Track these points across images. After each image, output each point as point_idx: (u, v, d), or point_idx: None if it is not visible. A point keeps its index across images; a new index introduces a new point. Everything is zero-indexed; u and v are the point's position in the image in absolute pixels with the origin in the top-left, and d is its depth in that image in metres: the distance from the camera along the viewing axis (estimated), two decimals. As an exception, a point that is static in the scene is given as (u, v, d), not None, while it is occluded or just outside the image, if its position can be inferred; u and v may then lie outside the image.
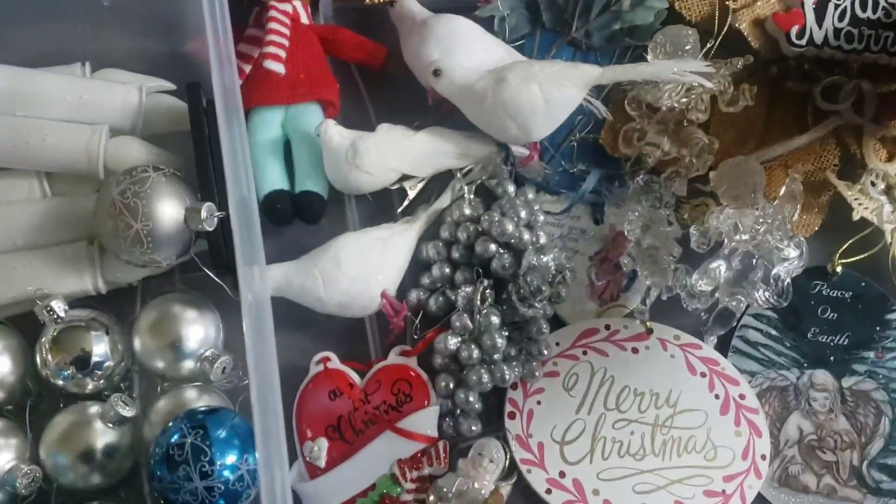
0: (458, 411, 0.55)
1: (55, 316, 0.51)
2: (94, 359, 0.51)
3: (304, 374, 0.57)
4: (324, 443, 0.54)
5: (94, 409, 0.51)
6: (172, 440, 0.45)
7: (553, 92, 0.56)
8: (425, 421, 0.54)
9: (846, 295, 0.62)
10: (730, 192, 0.61)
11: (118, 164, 0.55)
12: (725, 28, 0.63)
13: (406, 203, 0.61)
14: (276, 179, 0.60)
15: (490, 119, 0.58)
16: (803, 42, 0.61)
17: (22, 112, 0.54)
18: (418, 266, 0.60)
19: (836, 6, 0.62)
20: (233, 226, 0.48)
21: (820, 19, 0.61)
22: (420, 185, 0.62)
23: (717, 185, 0.62)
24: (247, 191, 0.49)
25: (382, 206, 0.62)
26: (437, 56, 0.60)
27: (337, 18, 0.67)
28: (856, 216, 0.61)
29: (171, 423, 0.46)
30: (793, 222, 0.61)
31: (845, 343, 0.61)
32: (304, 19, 0.64)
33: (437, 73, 0.58)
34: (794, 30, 0.61)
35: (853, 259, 0.62)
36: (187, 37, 0.60)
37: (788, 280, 0.60)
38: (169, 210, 0.50)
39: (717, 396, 0.58)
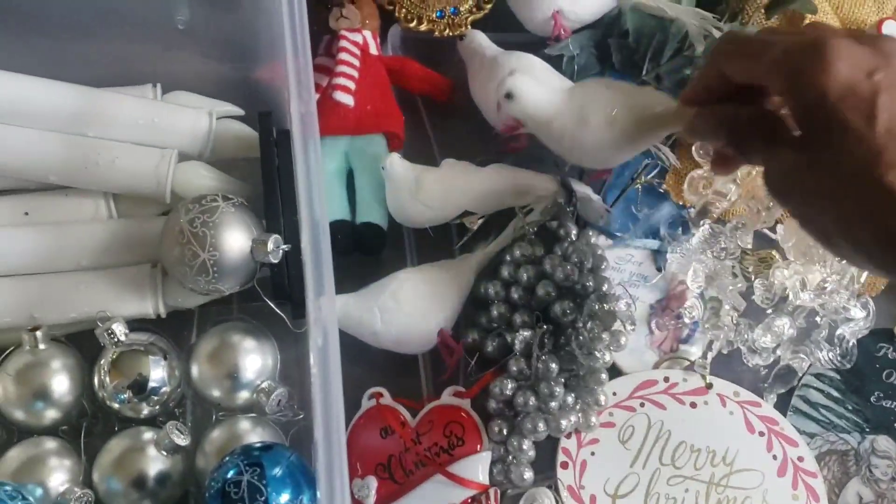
0: (511, 458, 0.54)
1: (115, 339, 0.50)
2: (151, 384, 0.51)
3: (355, 407, 0.56)
4: (373, 481, 0.53)
5: (149, 435, 0.51)
6: (228, 476, 0.44)
7: (635, 136, 0.52)
8: (477, 466, 0.53)
9: (914, 359, 0.60)
10: (797, 248, 0.60)
11: (185, 188, 0.55)
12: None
13: (465, 238, 0.61)
14: (338, 209, 0.60)
15: (559, 143, 0.55)
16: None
17: (93, 133, 0.55)
18: (475, 304, 0.59)
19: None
20: (304, 255, 0.47)
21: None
22: (480, 222, 0.61)
23: (784, 239, 0.60)
24: (320, 220, 0.48)
25: (441, 240, 0.61)
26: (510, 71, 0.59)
27: (405, 49, 0.67)
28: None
29: (227, 458, 0.46)
30: (861, 282, 0.59)
31: (911, 409, 0.59)
32: (373, 50, 0.64)
33: (509, 95, 0.54)
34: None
35: (922, 323, 0.61)
36: (258, 63, 0.60)
37: (853, 341, 0.59)
38: (236, 240, 0.49)
39: (774, 457, 0.56)
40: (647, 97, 0.53)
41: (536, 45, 0.65)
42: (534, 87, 0.54)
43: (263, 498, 0.44)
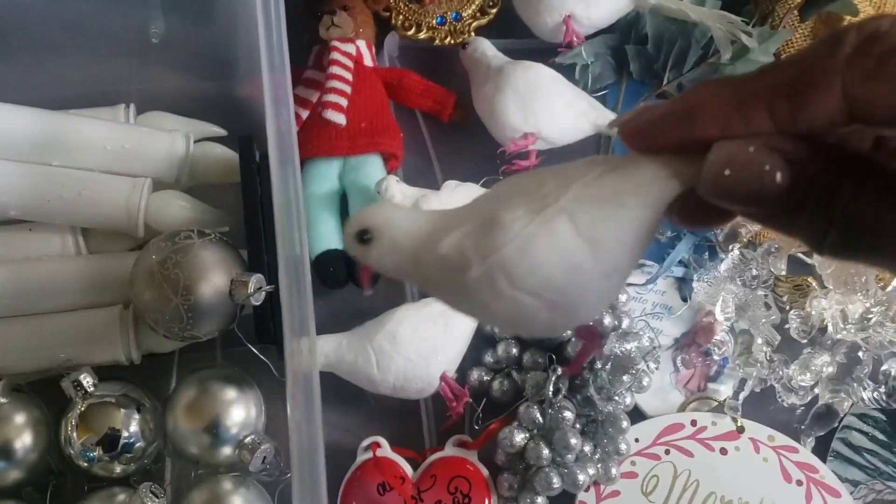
0: (523, 516, 0.49)
1: (83, 391, 0.46)
2: (124, 440, 0.46)
3: (350, 457, 0.51)
4: (370, 543, 0.48)
5: (122, 497, 0.46)
6: (205, 553, 0.40)
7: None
8: (485, 526, 0.48)
9: (967, 398, 0.54)
10: (836, 275, 0.54)
11: (160, 221, 0.50)
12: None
13: (470, 269, 0.55)
14: (330, 238, 0.55)
15: None
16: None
17: (58, 161, 0.50)
18: (482, 341, 0.54)
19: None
20: (281, 292, 0.43)
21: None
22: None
23: (822, 266, 0.55)
24: (299, 252, 0.44)
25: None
26: (516, 108, 0.54)
27: (403, 59, 0.62)
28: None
29: (204, 530, 0.41)
30: (908, 312, 0.54)
31: (965, 454, 0.53)
32: (368, 61, 0.59)
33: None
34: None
35: (977, 358, 0.55)
36: (240, 78, 0.55)
37: (901, 378, 0.53)
38: (213, 281, 0.44)
39: (815, 509, 0.51)
40: None
41: (546, 52, 0.59)
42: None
43: (243, 581, 0.39)
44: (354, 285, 0.55)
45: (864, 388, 0.53)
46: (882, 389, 0.53)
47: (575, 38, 0.58)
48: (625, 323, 0.51)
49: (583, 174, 0.25)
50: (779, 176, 0.22)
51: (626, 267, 0.25)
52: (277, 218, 0.43)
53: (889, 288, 0.54)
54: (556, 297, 0.24)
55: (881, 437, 0.54)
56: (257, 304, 0.46)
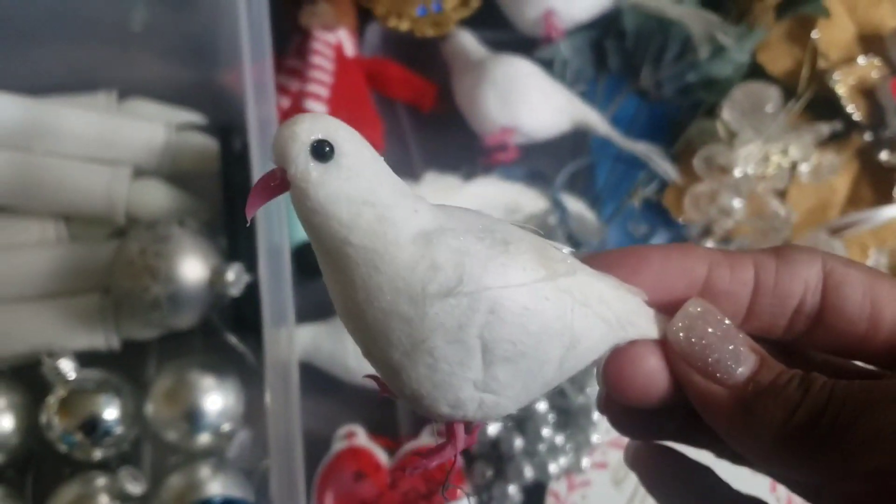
0: None
1: (64, 376, 0.46)
2: (104, 425, 0.47)
3: (326, 445, 0.52)
4: (346, 529, 0.49)
5: (102, 481, 0.47)
6: (183, 538, 0.41)
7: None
8: (458, 513, 0.50)
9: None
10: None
11: (140, 209, 0.50)
12: (811, 88, 0.57)
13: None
14: (309, 228, 0.55)
15: None
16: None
17: (39, 149, 0.50)
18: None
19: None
20: (261, 281, 0.44)
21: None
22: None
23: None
24: (279, 242, 0.45)
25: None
26: (496, 101, 0.55)
27: (385, 49, 0.62)
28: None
29: (182, 516, 0.42)
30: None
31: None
32: (349, 51, 0.59)
33: None
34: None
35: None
36: (222, 65, 0.55)
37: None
38: (192, 271, 0.45)
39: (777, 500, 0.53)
40: None
41: (528, 45, 0.60)
42: None
43: (220, 566, 0.40)
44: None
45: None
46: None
47: (555, 33, 0.59)
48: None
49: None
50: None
51: (554, 381, 0.22)
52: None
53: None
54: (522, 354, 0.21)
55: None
56: (236, 294, 0.46)
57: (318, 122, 0.20)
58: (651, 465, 0.26)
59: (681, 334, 0.22)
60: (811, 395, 0.20)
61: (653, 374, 0.22)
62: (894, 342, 0.22)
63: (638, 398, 0.22)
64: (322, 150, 0.20)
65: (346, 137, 0.20)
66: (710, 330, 0.22)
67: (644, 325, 0.22)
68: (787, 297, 0.22)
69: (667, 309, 0.22)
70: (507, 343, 0.21)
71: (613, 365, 0.22)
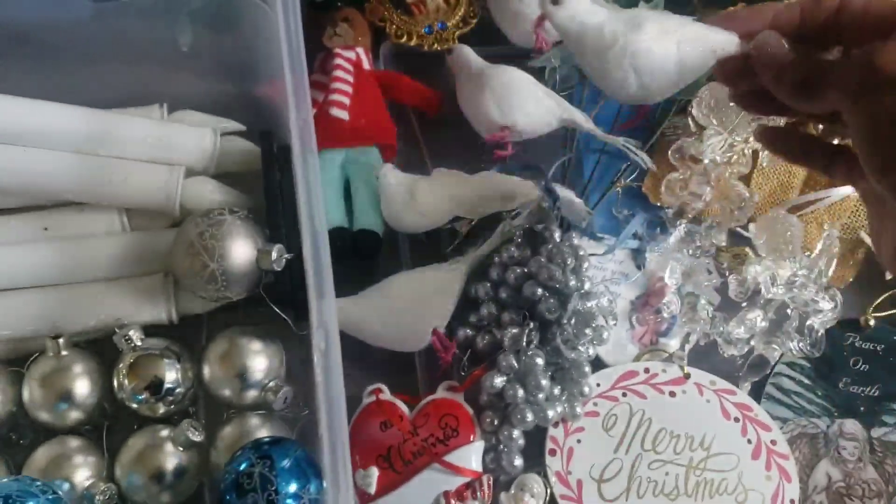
0: (502, 447, 0.58)
1: (133, 344, 0.54)
2: (167, 385, 0.55)
3: (356, 404, 0.60)
4: (374, 471, 0.57)
5: (166, 432, 0.55)
6: (241, 468, 0.48)
7: (690, 54, 0.44)
8: (471, 455, 0.57)
9: (878, 347, 0.64)
10: (768, 245, 0.64)
11: (192, 202, 0.59)
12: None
13: (456, 243, 0.65)
14: (336, 217, 0.64)
15: (610, 69, 0.47)
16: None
17: (105, 152, 0.58)
18: (467, 303, 0.63)
19: None
20: (305, 262, 0.51)
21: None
22: (470, 227, 0.65)
23: (756, 237, 0.64)
24: (320, 228, 0.52)
25: (434, 245, 0.65)
26: (494, 105, 0.63)
27: (395, 63, 0.71)
28: (888, 276, 0.64)
29: (239, 452, 0.50)
30: (829, 276, 0.63)
31: (876, 394, 0.63)
32: (366, 65, 0.68)
33: (555, 1, 0.47)
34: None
35: (887, 313, 0.64)
36: (258, 81, 0.64)
37: (822, 331, 0.63)
38: (242, 251, 0.53)
39: (749, 441, 0.60)
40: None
41: (521, 57, 0.68)
42: None
43: (274, 488, 0.47)
44: (358, 259, 0.64)
45: (792, 340, 0.63)
46: (807, 341, 0.63)
47: (544, 45, 0.67)
48: (587, 286, 0.61)
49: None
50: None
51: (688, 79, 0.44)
52: (301, 195, 0.51)
53: (812, 254, 0.64)
54: (647, 81, 0.43)
55: (806, 381, 0.64)
56: (279, 269, 0.54)
57: None
58: (769, 134, 0.47)
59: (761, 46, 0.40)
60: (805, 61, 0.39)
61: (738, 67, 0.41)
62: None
63: (732, 81, 0.43)
64: None
65: None
66: (772, 41, 0.39)
67: (730, 46, 0.41)
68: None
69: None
70: (645, 66, 0.43)
71: (717, 68, 0.42)
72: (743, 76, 0.41)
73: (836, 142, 0.46)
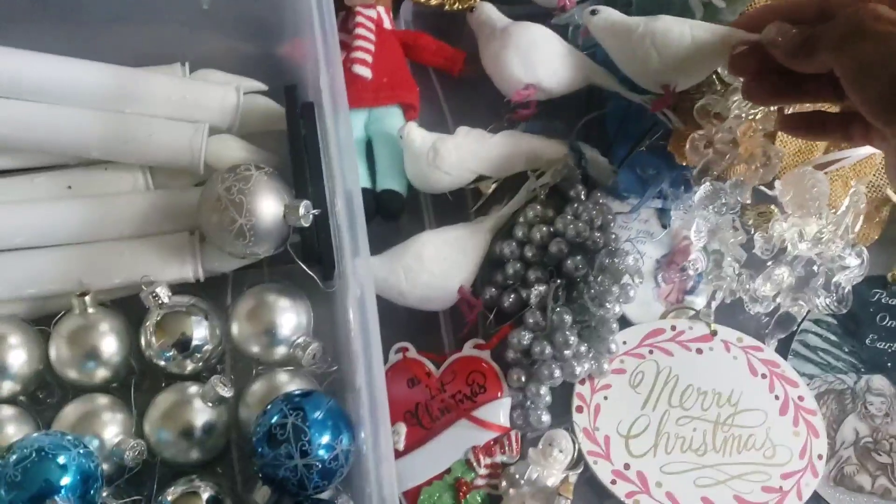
0: (529, 403, 0.58)
1: (160, 301, 0.54)
2: (195, 342, 0.55)
3: (384, 362, 0.60)
4: (402, 427, 0.57)
5: (194, 389, 0.54)
6: (274, 420, 0.48)
7: (702, 37, 0.56)
8: (498, 411, 0.57)
9: (905, 304, 0.64)
10: (794, 201, 0.63)
11: (217, 160, 0.58)
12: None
13: (480, 202, 0.64)
14: (360, 177, 0.63)
15: (635, 49, 0.58)
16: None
17: (129, 109, 0.58)
18: (492, 263, 0.63)
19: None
20: (339, 219, 0.51)
21: None
22: (494, 186, 0.64)
23: (782, 194, 0.64)
24: (353, 186, 0.52)
25: (457, 205, 0.65)
26: (519, 63, 0.63)
27: (416, 23, 0.71)
28: (914, 231, 0.63)
29: (270, 405, 0.50)
30: (855, 232, 0.63)
31: (903, 350, 0.63)
32: (387, 24, 0.67)
33: (594, 12, 0.61)
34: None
35: (913, 269, 0.64)
36: (280, 40, 0.63)
37: (849, 287, 0.62)
38: (269, 206, 0.53)
39: (776, 397, 0.60)
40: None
41: (543, 16, 0.68)
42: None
43: (307, 438, 0.47)
44: (381, 219, 0.64)
45: (818, 297, 0.62)
46: (833, 298, 0.62)
47: (567, 2, 0.67)
48: (613, 243, 0.60)
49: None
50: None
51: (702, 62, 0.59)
52: (333, 154, 0.51)
53: (839, 210, 0.63)
54: (667, 58, 0.56)
55: (833, 338, 0.64)
56: (306, 225, 0.54)
57: None
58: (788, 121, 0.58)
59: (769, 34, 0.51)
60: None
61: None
62: None
63: (743, 69, 0.55)
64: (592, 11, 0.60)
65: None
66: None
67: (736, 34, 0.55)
68: None
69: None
70: (663, 44, 0.57)
71: (729, 62, 0.56)
72: (752, 60, 0.53)
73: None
